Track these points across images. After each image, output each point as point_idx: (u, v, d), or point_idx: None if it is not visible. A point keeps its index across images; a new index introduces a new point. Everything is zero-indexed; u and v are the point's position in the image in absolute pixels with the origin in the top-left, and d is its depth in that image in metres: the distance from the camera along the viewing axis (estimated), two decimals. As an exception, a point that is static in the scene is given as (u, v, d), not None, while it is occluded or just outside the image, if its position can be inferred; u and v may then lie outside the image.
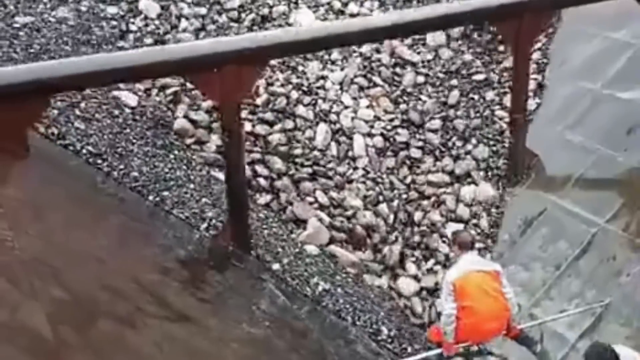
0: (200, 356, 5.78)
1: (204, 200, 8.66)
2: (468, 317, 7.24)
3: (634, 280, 8.28)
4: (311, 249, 9.11)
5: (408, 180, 10.30)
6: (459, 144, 10.64)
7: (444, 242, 9.82)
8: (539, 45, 11.54)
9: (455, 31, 11.50)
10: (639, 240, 8.61)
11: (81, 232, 6.62)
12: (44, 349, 4.26)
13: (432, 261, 9.75)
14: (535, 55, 11.42)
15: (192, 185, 8.74)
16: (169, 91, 9.66)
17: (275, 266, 8.46)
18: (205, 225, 8.41)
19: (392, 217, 9.86)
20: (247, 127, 9.63)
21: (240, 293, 7.72)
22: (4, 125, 6.77)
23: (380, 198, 9.93)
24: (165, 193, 8.46)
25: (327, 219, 9.41)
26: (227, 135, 8.22)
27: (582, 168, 9.83)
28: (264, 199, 9.37)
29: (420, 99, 10.88)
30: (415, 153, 10.48)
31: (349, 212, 9.58)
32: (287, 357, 7.03)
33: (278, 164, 9.58)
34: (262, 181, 9.42)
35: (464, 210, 10.10)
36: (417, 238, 9.87)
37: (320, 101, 10.33)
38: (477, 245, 9.00)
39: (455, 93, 11.08)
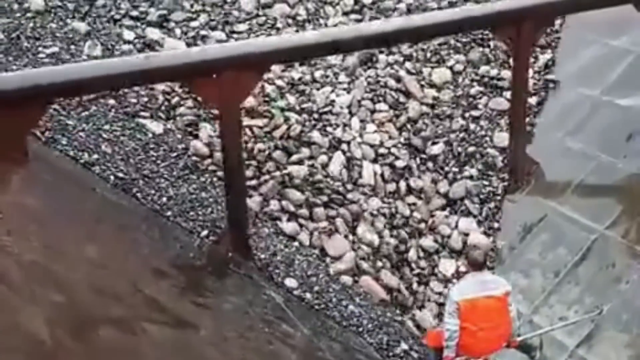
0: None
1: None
2: (468, 337, 7.21)
3: (633, 287, 8.28)
4: (345, 279, 9.15)
5: (413, 207, 10.25)
6: (455, 169, 10.65)
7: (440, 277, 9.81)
8: (539, 51, 11.59)
9: (460, 66, 11.49)
10: (639, 247, 8.61)
11: (81, 238, 6.62)
12: (42, 353, 4.26)
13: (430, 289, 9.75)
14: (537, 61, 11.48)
15: (220, 207, 8.77)
16: (185, 118, 9.64)
17: (308, 296, 8.55)
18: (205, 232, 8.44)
19: (396, 250, 9.86)
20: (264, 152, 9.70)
21: (240, 299, 7.71)
22: (3, 131, 6.77)
23: (395, 233, 9.89)
24: (191, 213, 8.53)
25: (352, 252, 9.43)
26: (226, 141, 8.22)
27: (582, 175, 9.84)
28: (294, 231, 9.35)
29: (424, 125, 10.88)
30: (418, 179, 10.45)
31: (369, 250, 9.56)
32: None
33: (297, 194, 9.55)
34: (286, 210, 9.42)
35: (457, 243, 10.04)
36: (417, 271, 9.86)
37: (330, 128, 10.33)
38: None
39: (458, 123, 11.03)
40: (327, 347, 7.73)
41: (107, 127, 8.85)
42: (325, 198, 9.60)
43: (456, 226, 10.17)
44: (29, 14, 9.59)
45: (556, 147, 10.42)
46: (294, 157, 9.79)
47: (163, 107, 9.59)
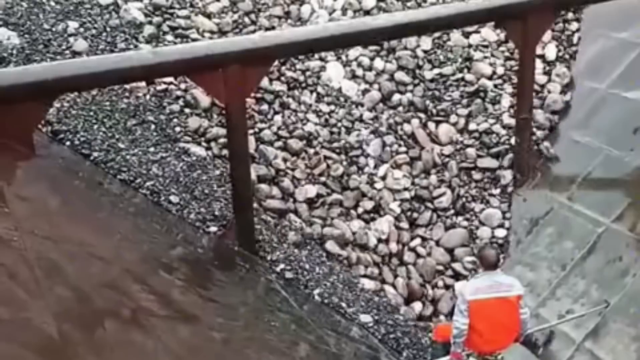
0: (205, 355, 5.79)
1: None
2: (477, 336, 7.17)
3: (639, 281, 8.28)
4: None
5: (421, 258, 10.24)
6: (455, 220, 10.50)
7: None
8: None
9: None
10: (645, 240, 8.61)
11: (88, 233, 6.63)
12: (50, 347, 4.27)
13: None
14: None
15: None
16: (219, 142, 9.67)
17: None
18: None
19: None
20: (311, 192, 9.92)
21: (247, 293, 7.73)
22: (10, 126, 6.79)
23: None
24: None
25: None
26: (231, 134, 8.23)
27: (589, 168, 9.82)
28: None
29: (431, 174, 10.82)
30: (428, 230, 10.43)
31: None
32: (292, 356, 7.05)
33: (344, 229, 9.73)
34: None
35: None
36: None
37: (362, 174, 10.40)
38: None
39: (459, 176, 10.84)
40: (334, 341, 7.75)
41: (152, 149, 8.99)
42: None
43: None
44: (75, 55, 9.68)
45: (563, 141, 10.40)
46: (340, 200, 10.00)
47: (200, 132, 9.73)
